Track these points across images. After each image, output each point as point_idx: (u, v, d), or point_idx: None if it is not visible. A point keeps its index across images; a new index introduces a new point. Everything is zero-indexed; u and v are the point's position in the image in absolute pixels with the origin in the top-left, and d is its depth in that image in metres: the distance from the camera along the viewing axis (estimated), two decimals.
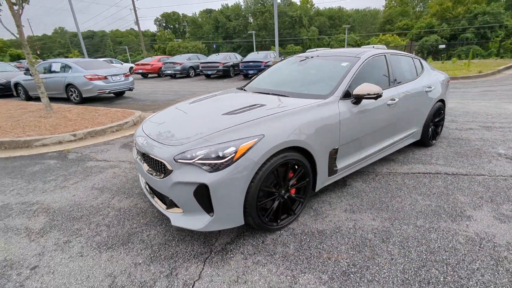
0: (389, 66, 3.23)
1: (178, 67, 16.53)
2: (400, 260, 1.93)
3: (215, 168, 1.91)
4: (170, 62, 17.00)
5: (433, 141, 4.04)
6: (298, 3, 51.58)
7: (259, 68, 14.07)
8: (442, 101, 3.98)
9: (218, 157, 1.91)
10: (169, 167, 2.01)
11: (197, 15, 70.30)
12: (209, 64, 15.39)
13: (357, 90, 2.58)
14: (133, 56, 52.31)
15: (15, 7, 5.89)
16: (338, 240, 2.15)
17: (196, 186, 1.92)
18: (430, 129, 3.93)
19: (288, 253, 2.05)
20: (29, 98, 10.68)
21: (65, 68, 9.62)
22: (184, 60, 17.14)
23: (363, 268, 1.87)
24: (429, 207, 2.54)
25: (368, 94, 2.56)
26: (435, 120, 4.01)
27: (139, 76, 19.73)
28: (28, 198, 3.03)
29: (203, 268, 1.93)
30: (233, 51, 52.39)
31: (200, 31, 61.14)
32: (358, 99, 2.63)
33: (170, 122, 2.52)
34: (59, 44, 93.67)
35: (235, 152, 1.93)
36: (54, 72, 9.80)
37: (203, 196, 1.94)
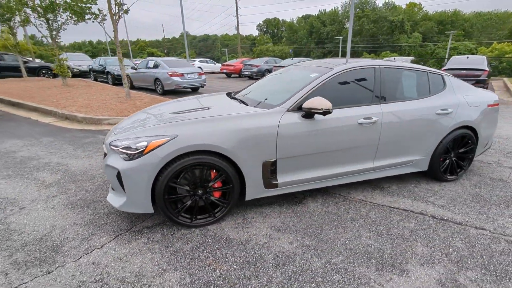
0: (377, 81, 2.74)
1: (255, 69, 17.34)
2: None
3: (130, 158, 2.13)
4: (248, 64, 18.03)
5: (451, 176, 3.18)
6: (404, 7, 45.93)
7: None
8: (470, 128, 3.08)
9: (134, 149, 2.13)
10: (105, 151, 2.34)
11: (295, 21, 71.25)
12: (280, 68, 15.60)
13: (307, 103, 2.35)
14: (234, 57, 57.34)
15: (115, 17, 7.45)
16: (234, 252, 2.06)
17: (117, 171, 2.19)
18: (447, 161, 3.13)
19: (181, 249, 2.10)
20: (132, 87, 13.21)
21: (156, 65, 11.50)
22: (261, 63, 17.87)
23: (229, 284, 1.77)
24: (365, 247, 2.11)
25: (316, 109, 2.31)
26: (458, 151, 3.15)
27: (224, 75, 21.61)
28: (63, 160, 3.94)
29: (110, 241, 2.19)
30: (323, 57, 51.11)
31: (294, 36, 61.85)
32: (307, 113, 2.39)
33: (134, 118, 2.85)
34: (182, 45, 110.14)
35: (146, 147, 2.10)
36: (149, 68, 11.83)
37: (121, 180, 2.20)
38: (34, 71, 16.94)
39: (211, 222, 2.39)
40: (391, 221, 2.45)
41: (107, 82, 15.17)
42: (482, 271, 1.87)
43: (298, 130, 2.41)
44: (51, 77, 17.06)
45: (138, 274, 1.85)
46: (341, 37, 36.35)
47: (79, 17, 9.26)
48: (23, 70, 14.65)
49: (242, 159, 2.29)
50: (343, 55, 37.87)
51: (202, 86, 11.75)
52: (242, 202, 2.75)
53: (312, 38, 57.22)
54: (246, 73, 17.86)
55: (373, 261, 1.97)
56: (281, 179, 2.51)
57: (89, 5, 8.33)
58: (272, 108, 2.45)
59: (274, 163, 2.43)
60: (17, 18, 12.31)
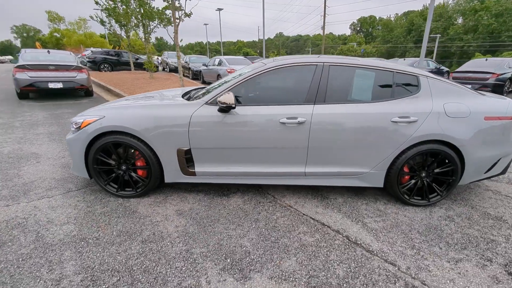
0: (316, 79, 2.43)
1: None
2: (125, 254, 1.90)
3: (74, 131, 2.63)
4: None
5: (421, 201, 2.53)
6: None
7: None
8: (447, 144, 2.37)
9: (77, 124, 2.61)
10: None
11: (393, 18, 63.78)
12: None
13: (219, 98, 2.35)
14: None
15: (177, 20, 8.55)
16: (126, 222, 2.30)
17: None
18: (412, 181, 2.51)
19: (95, 211, 2.46)
20: (204, 82, 14.74)
21: (220, 63, 12.52)
22: None
23: (96, 244, 2.03)
24: (235, 247, 2.01)
25: (224, 103, 2.29)
26: (433, 171, 2.47)
27: None
28: None
29: (60, 194, 2.75)
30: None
31: (389, 34, 55.42)
32: (221, 107, 2.37)
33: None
34: (274, 46, 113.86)
35: (81, 123, 2.55)
36: (215, 65, 12.98)
37: None
38: (141, 66, 20.76)
39: (134, 195, 2.68)
40: (292, 231, 2.20)
41: (188, 77, 17.35)
42: None
43: (212, 123, 2.43)
44: (151, 71, 20.68)
45: (49, 220, 2.31)
46: (438, 35, 30.41)
47: (165, 23, 11.04)
48: (132, 65, 18.28)
49: (157, 144, 2.48)
50: (442, 56, 31.67)
51: None
52: (179, 185, 2.95)
53: (410, 36, 50.13)
54: None
55: (228, 260, 1.88)
56: (198, 168, 2.59)
57: (163, 11, 9.82)
58: (193, 101, 2.54)
59: (188, 152, 2.52)
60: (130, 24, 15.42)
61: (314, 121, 2.38)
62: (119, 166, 2.63)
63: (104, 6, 14.41)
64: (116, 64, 20.13)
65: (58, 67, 8.04)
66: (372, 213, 2.46)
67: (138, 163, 2.62)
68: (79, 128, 2.56)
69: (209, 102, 2.47)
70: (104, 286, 1.66)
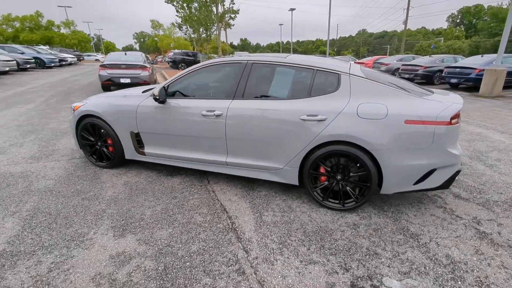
0: (237, 76, 2.54)
1: (383, 68, 15.10)
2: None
3: (72, 113, 3.45)
4: (378, 62, 15.87)
5: (336, 204, 2.36)
6: None
7: (467, 76, 9.73)
8: (359, 147, 2.13)
9: (73, 108, 3.42)
10: None
11: (506, 5, 51.29)
12: (408, 67, 12.67)
13: (154, 90, 2.74)
14: (395, 54, 49.84)
15: (220, 24, 9.29)
16: (85, 183, 2.95)
17: None
18: (325, 182, 2.37)
19: (74, 174, 3.21)
20: None
21: None
22: (393, 61, 15.21)
23: (56, 196, 2.72)
24: (138, 214, 2.38)
25: (154, 96, 2.68)
26: (349, 175, 2.28)
27: None
28: None
29: (65, 160, 3.65)
30: None
31: (499, 25, 44.90)
32: (154, 98, 2.76)
33: None
34: (355, 43, 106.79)
35: (75, 107, 3.34)
36: None
37: None
38: None
39: (106, 166, 3.35)
40: (192, 210, 2.44)
41: None
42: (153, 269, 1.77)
43: (151, 112, 2.85)
44: None
45: (44, 176, 3.16)
46: None
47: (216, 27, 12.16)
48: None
49: (117, 127, 3.06)
50: None
51: None
52: (144, 163, 3.49)
53: None
54: None
55: (122, 222, 2.27)
56: (147, 149, 3.05)
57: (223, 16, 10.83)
58: (145, 93, 3.00)
59: (138, 135, 3.01)
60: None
61: (229, 114, 2.52)
62: (96, 142, 3.33)
63: (182, 14, 16.55)
64: (192, 63, 22.51)
65: (128, 66, 9.83)
66: (279, 209, 2.46)
67: (108, 141, 3.26)
68: (74, 110, 3.36)
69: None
70: (34, 221, 2.29)
